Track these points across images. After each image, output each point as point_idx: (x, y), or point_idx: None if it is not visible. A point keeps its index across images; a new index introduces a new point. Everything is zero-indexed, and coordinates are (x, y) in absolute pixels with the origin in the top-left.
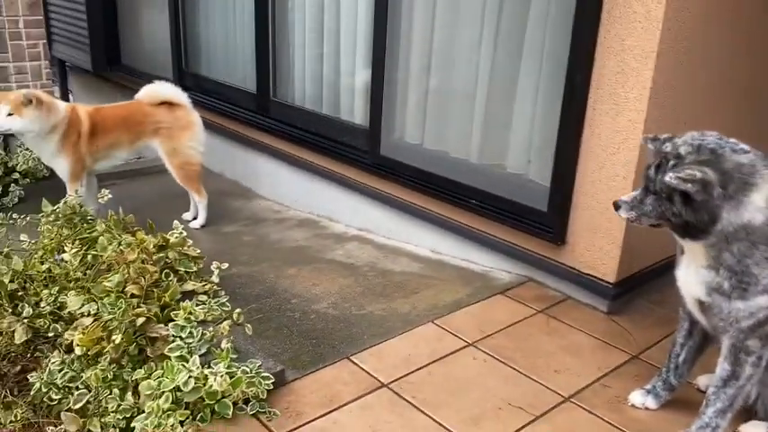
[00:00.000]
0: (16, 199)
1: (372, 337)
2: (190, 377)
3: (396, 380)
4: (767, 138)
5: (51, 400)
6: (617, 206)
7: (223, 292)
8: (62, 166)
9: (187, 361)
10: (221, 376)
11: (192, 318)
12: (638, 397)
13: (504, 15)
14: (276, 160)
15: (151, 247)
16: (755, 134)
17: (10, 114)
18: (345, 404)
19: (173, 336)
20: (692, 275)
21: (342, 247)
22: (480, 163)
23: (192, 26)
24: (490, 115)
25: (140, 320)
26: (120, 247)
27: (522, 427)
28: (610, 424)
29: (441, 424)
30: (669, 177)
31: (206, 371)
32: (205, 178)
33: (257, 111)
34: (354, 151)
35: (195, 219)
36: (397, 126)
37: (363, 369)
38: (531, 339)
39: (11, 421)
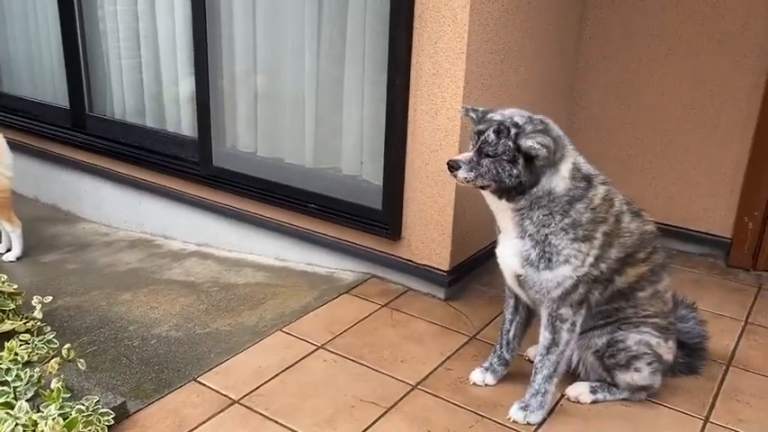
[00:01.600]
0: None
1: (219, 354)
2: (16, 425)
3: (246, 394)
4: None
5: None
6: (454, 167)
7: (49, 329)
8: None
9: (12, 407)
10: (53, 419)
11: (18, 359)
12: (477, 375)
13: (323, 20)
14: (98, 179)
15: None
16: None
17: None
18: (196, 427)
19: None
20: (508, 249)
21: (180, 265)
22: (315, 167)
23: None
24: (321, 120)
25: None
26: None
27: (375, 420)
28: (456, 405)
29: (294, 431)
30: (527, 142)
31: (35, 416)
32: (16, 205)
33: (72, 127)
34: (185, 164)
35: (9, 251)
36: (228, 135)
37: (212, 388)
38: (377, 334)
39: None
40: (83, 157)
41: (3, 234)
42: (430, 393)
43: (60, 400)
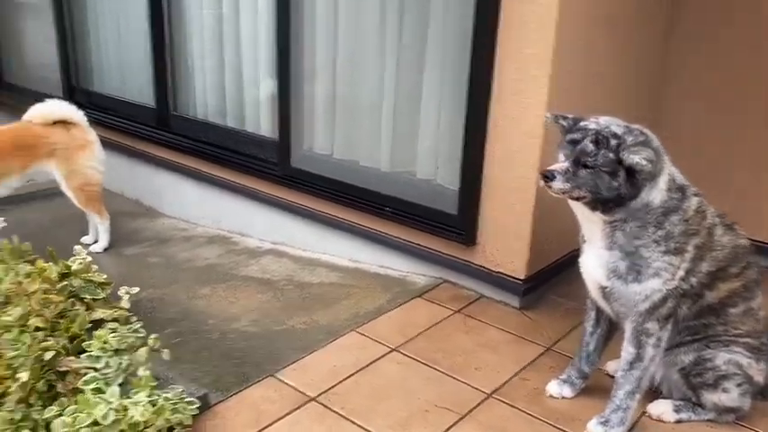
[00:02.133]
0: None
1: (295, 351)
2: (109, 409)
3: (323, 392)
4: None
5: None
6: (549, 177)
7: (135, 318)
8: None
9: (103, 393)
10: (143, 406)
11: (108, 347)
12: (554, 387)
13: (405, 24)
14: (180, 176)
15: (54, 275)
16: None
17: None
18: (273, 422)
19: (86, 368)
20: (594, 260)
21: (256, 262)
22: (391, 171)
23: (82, 40)
24: (398, 124)
25: (48, 355)
26: (19, 278)
27: (450, 427)
28: (532, 416)
29: None
30: (631, 157)
31: (125, 401)
32: (104, 199)
33: (157, 126)
34: (264, 164)
35: (96, 242)
36: (307, 137)
37: (289, 384)
38: (450, 339)
39: None
40: (165, 154)
41: (91, 226)
42: (506, 403)
43: (149, 388)
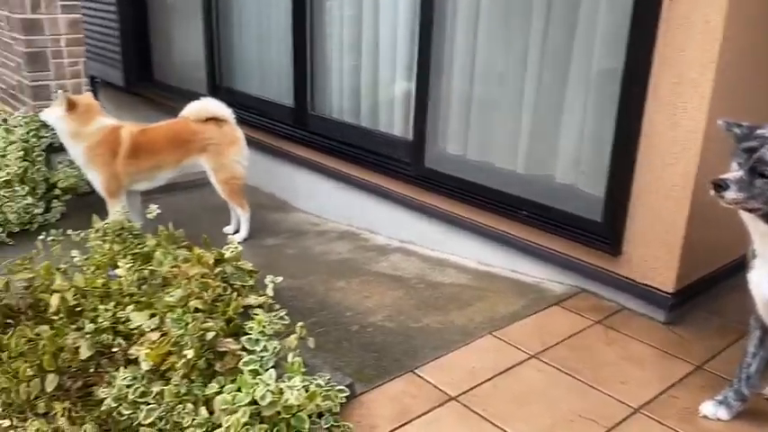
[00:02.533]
0: (58, 215)
1: (433, 349)
2: (267, 391)
3: (463, 393)
4: None
5: (120, 415)
6: (722, 186)
7: (278, 306)
8: (94, 180)
9: (260, 375)
10: (297, 390)
11: (266, 331)
12: (709, 408)
13: (552, 22)
14: (314, 173)
15: (211, 261)
16: None
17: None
18: (417, 417)
19: (243, 349)
20: (766, 276)
21: (386, 259)
22: (527, 173)
23: (227, 40)
24: (537, 126)
25: (210, 335)
26: (177, 262)
27: None
28: None
29: None
30: None
31: (281, 384)
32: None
33: (294, 124)
34: (396, 163)
35: (237, 232)
36: (440, 137)
37: (429, 382)
38: (592, 350)
39: None
40: (302, 152)
41: (232, 216)
42: (654, 419)
43: (301, 373)
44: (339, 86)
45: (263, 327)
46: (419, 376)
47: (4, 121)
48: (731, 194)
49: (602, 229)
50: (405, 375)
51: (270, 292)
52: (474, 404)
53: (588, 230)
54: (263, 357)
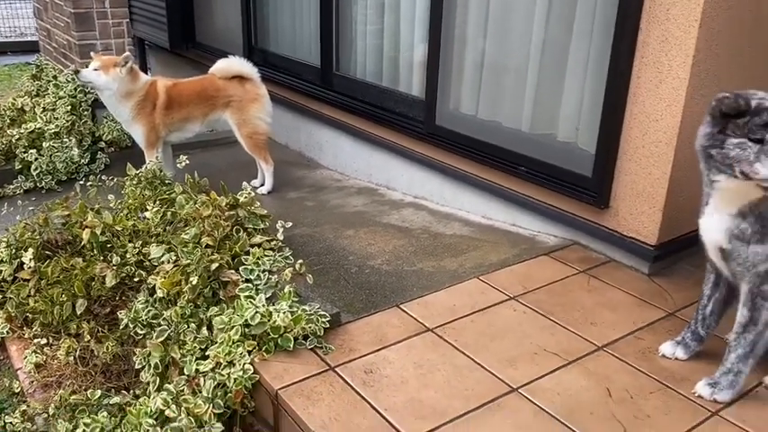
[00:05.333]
0: (102, 166)
1: (421, 289)
2: (257, 313)
3: (440, 325)
4: None
5: (137, 334)
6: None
7: (287, 249)
8: (137, 133)
9: (254, 300)
10: (284, 313)
11: (260, 263)
12: (668, 347)
13: None
14: (338, 131)
15: (223, 204)
16: None
17: (96, 70)
18: (393, 344)
19: (242, 279)
20: (716, 223)
21: (398, 212)
22: (531, 132)
23: (261, 5)
24: (542, 86)
25: (214, 266)
26: (196, 206)
27: (555, 369)
28: (640, 371)
29: (479, 363)
30: None
31: (270, 308)
32: (271, 149)
33: (321, 84)
34: (411, 122)
35: (263, 185)
36: (452, 97)
37: (411, 315)
38: (571, 296)
39: (103, 352)
40: (327, 111)
41: (259, 171)
42: (615, 356)
43: (291, 300)
44: (363, 48)
45: (258, 259)
46: (403, 310)
47: (54, 77)
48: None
49: (592, 184)
50: (390, 309)
51: (280, 235)
52: (447, 335)
53: (580, 185)
54: (257, 286)
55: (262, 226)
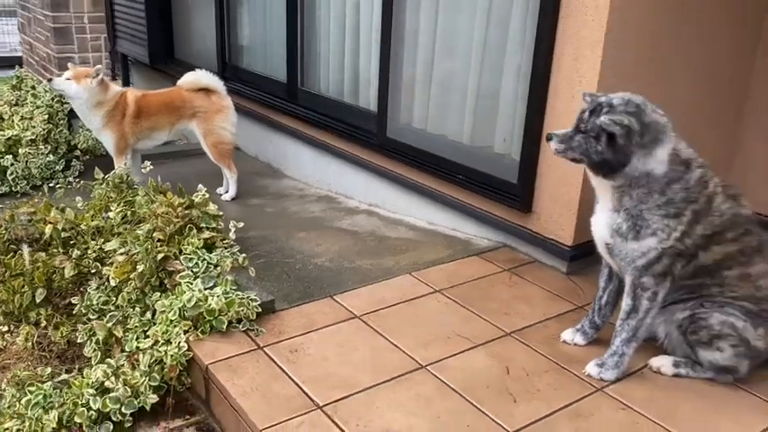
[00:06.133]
0: (77, 172)
1: (356, 283)
2: (193, 296)
3: (366, 313)
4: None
5: (89, 319)
6: (549, 138)
7: (238, 247)
8: (107, 140)
9: (192, 285)
10: (218, 297)
11: (200, 253)
12: (568, 334)
13: (491, 18)
14: (301, 143)
15: (176, 203)
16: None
17: (68, 79)
18: (320, 328)
19: (186, 267)
20: (602, 219)
21: (351, 218)
22: (471, 144)
23: (234, 24)
24: (480, 102)
25: (160, 256)
26: (154, 206)
27: (463, 351)
28: (540, 353)
29: (395, 345)
30: (603, 119)
31: (207, 293)
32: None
33: (287, 98)
34: (366, 134)
35: (227, 192)
36: (401, 112)
37: (342, 305)
38: (491, 290)
39: (59, 337)
40: (292, 123)
41: (224, 179)
42: (521, 341)
43: (227, 287)
44: (326, 65)
45: (197, 248)
46: (335, 301)
47: (33, 87)
48: (553, 145)
49: (518, 190)
50: (323, 300)
51: (232, 235)
52: (372, 322)
53: (509, 192)
54: (196, 273)
55: (214, 225)
